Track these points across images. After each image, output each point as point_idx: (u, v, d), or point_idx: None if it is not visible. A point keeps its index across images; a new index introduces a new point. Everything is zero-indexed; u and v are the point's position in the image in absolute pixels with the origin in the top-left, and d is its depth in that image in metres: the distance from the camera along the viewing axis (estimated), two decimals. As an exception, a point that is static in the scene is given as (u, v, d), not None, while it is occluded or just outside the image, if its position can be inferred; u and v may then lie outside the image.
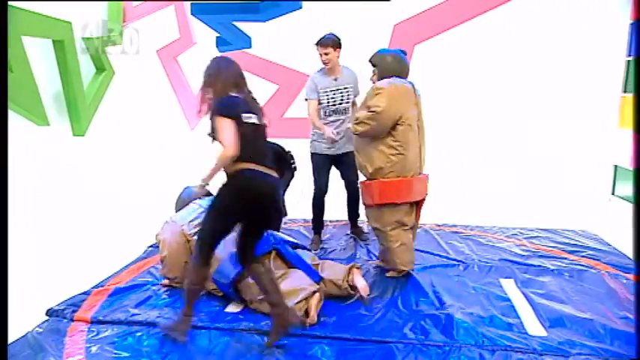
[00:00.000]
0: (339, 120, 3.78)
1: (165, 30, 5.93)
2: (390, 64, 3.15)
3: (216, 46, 5.14)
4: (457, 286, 3.13)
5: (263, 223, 2.50)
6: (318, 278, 2.90)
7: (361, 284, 2.91)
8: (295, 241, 3.30)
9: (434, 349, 2.42)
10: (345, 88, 3.73)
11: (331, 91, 3.70)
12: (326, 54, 3.59)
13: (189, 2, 4.77)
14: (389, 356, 2.37)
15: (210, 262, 2.52)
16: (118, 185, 3.44)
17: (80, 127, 4.61)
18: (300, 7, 4.89)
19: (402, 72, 3.16)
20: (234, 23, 5.04)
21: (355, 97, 3.84)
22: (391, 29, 5.02)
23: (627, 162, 4.68)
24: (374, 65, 3.22)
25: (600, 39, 4.75)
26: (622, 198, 4.82)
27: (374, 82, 3.19)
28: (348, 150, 3.75)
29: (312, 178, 3.90)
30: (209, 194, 2.90)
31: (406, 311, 2.82)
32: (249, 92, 2.50)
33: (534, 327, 2.60)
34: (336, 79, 3.70)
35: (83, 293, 3.05)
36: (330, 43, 3.60)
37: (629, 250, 3.67)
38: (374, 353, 2.40)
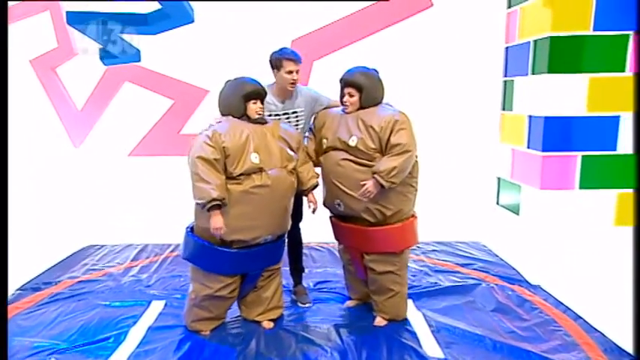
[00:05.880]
0: None
1: (40, 37, 5.33)
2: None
3: (100, 59, 4.73)
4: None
5: None
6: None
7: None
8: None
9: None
10: (294, 112, 3.04)
11: (276, 115, 3.00)
12: (297, 72, 2.91)
13: (65, 10, 4.33)
14: None
15: None
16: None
17: None
18: (192, 21, 4.68)
19: None
20: (121, 35, 4.67)
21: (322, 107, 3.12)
22: (289, 45, 4.98)
23: (508, 174, 5.12)
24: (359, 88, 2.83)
25: (480, 62, 5.16)
26: (505, 207, 5.24)
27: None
28: None
29: None
30: None
31: (299, 332, 2.75)
32: None
33: (432, 348, 2.67)
34: (283, 102, 3.02)
35: None
36: (300, 60, 2.92)
37: (512, 260, 3.98)
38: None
